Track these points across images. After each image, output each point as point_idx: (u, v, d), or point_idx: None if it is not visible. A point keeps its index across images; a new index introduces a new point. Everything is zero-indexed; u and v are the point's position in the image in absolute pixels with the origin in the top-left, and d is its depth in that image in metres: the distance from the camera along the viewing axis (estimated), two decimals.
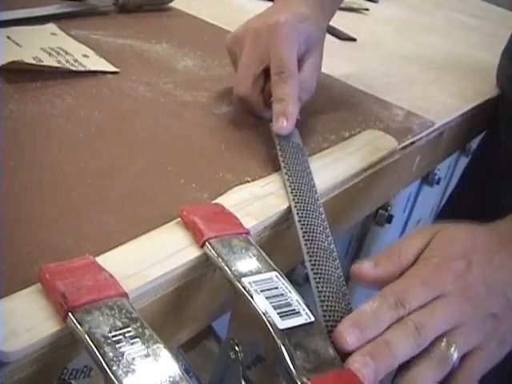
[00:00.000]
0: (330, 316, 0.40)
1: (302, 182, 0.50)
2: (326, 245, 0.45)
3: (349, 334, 0.38)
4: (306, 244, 0.45)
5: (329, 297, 0.41)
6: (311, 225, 0.46)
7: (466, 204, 0.92)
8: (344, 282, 0.43)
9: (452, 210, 0.99)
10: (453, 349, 0.41)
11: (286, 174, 0.51)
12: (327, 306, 0.41)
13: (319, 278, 0.42)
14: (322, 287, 0.42)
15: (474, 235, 0.48)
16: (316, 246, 0.45)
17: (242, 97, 0.59)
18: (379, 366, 0.37)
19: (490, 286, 0.44)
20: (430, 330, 0.40)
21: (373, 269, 0.45)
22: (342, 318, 0.40)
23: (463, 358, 0.42)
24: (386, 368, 0.38)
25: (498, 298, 0.45)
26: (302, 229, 0.46)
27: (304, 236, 0.45)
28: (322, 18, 0.63)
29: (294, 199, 0.48)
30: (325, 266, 0.43)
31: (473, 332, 0.42)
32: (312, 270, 0.43)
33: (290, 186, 0.49)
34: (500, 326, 0.44)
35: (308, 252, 0.44)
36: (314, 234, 0.45)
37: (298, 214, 0.47)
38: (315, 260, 0.43)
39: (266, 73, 0.58)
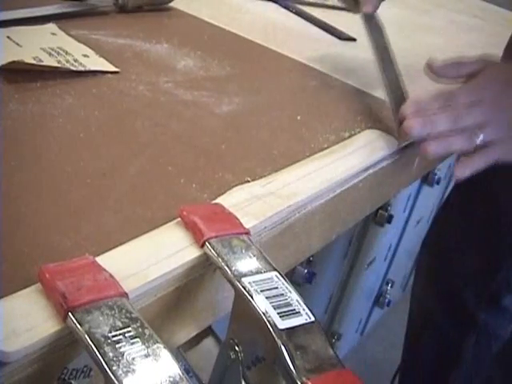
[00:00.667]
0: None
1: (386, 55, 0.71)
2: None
3: (408, 108, 0.59)
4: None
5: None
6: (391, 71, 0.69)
7: (466, 204, 0.92)
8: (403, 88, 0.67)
9: (451, 210, 0.99)
10: (480, 132, 0.58)
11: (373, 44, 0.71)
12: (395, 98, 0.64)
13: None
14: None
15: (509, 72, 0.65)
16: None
17: None
18: (424, 126, 0.57)
19: None
20: (465, 118, 0.58)
21: (440, 66, 0.65)
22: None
23: (486, 145, 0.58)
24: (429, 129, 0.57)
25: None
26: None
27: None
28: None
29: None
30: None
31: (498, 128, 0.59)
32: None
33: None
34: None
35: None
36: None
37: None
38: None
39: None
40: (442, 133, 0.57)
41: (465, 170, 0.58)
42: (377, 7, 0.76)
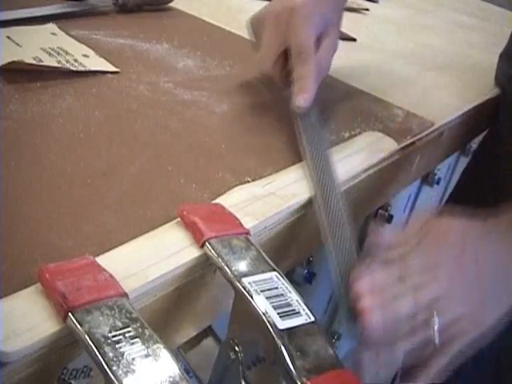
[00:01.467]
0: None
1: (324, 168, 0.54)
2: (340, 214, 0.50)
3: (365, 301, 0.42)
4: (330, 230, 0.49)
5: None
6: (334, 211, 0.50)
7: (467, 204, 0.92)
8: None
9: (456, 204, 0.98)
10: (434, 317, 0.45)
11: (307, 153, 0.55)
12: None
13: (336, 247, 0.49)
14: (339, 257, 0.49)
15: (464, 231, 0.52)
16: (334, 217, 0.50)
17: (267, 72, 0.63)
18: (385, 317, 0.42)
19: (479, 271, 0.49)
20: (424, 297, 0.45)
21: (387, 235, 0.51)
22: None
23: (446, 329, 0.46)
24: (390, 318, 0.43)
25: (482, 285, 0.49)
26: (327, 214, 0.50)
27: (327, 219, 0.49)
28: None
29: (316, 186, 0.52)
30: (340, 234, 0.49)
31: (458, 304, 0.47)
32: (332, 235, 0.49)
33: (313, 171, 0.53)
34: (482, 308, 0.48)
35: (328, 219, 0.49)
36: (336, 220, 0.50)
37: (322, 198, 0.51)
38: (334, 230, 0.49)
39: (287, 54, 0.62)
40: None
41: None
42: (312, 101, 0.59)
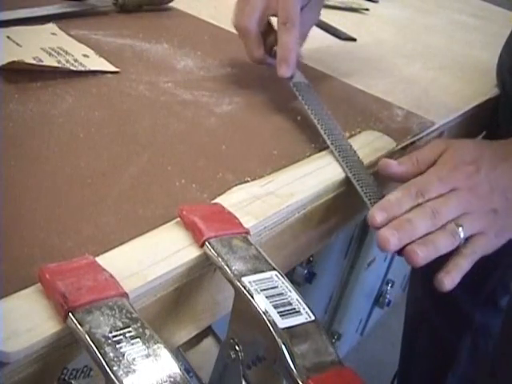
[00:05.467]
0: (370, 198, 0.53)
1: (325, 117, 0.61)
2: (356, 158, 0.57)
3: (377, 215, 0.50)
4: (344, 162, 0.56)
5: (370, 194, 0.54)
6: (341, 145, 0.58)
7: None
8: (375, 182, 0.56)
9: None
10: (461, 229, 0.51)
11: (306, 104, 0.62)
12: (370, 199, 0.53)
13: (361, 182, 0.55)
14: (366, 190, 0.54)
15: (482, 147, 0.58)
16: (351, 161, 0.57)
17: (242, 29, 0.65)
18: (402, 236, 0.49)
19: (493, 186, 0.54)
20: (443, 214, 0.51)
21: (397, 166, 0.56)
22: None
23: (468, 240, 0.52)
24: (407, 238, 0.49)
25: (499, 197, 0.54)
26: (336, 150, 0.57)
27: (340, 155, 0.57)
28: None
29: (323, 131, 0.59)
30: (361, 173, 0.56)
31: (477, 219, 0.53)
32: (354, 176, 0.55)
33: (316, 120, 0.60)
34: (499, 219, 0.54)
35: (347, 165, 0.56)
36: (347, 155, 0.57)
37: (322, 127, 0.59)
38: (354, 171, 0.56)
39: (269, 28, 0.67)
40: (422, 236, 0.50)
41: (453, 280, 0.51)
42: (294, 69, 0.65)
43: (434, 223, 0.50)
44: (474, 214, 0.53)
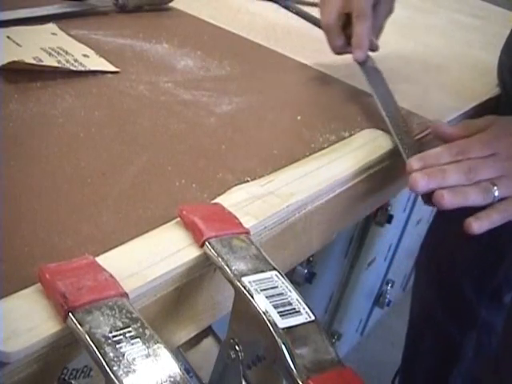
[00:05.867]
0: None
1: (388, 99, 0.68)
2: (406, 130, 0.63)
3: (414, 163, 0.54)
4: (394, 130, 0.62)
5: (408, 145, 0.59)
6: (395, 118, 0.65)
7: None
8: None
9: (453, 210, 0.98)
10: (495, 188, 0.54)
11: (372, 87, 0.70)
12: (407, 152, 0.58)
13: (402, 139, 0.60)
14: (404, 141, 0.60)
15: None
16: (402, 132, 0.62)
17: (324, 26, 0.73)
18: (431, 181, 0.53)
19: None
20: (479, 172, 0.54)
21: (447, 127, 0.62)
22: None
23: (502, 201, 0.55)
24: (437, 184, 0.53)
25: None
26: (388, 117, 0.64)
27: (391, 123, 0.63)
28: None
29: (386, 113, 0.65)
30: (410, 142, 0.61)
31: None
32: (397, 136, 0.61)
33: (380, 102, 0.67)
34: None
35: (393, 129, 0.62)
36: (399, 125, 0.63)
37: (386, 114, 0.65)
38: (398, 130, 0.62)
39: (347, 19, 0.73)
40: (453, 186, 0.54)
41: (481, 226, 0.54)
42: (367, 53, 0.73)
43: (468, 178, 0.54)
44: (509, 178, 0.55)
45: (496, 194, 0.54)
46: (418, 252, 1.16)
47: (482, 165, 0.55)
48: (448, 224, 1.02)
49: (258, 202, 0.48)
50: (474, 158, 0.56)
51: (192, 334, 0.45)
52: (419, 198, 1.14)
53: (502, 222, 0.55)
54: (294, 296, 0.38)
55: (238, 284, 0.38)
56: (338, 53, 0.75)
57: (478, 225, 0.54)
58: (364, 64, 0.73)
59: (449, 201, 0.52)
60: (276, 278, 0.39)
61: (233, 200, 0.47)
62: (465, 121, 0.63)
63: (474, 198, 0.54)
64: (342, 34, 0.74)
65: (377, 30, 0.76)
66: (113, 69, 0.64)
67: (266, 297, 0.37)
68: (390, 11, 0.77)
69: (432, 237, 1.11)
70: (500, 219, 0.55)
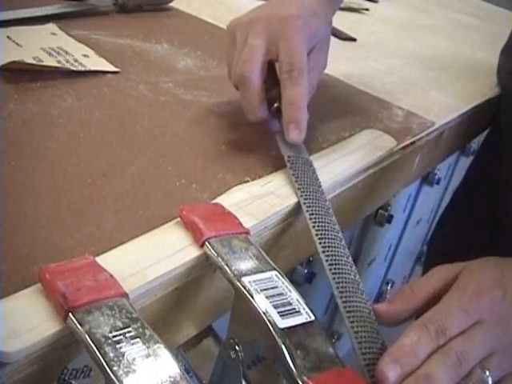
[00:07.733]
0: (367, 355, 0.40)
1: (318, 204, 0.49)
2: (352, 277, 0.44)
3: (390, 371, 0.38)
4: (335, 280, 0.44)
5: (365, 336, 0.41)
6: (336, 255, 0.45)
7: (471, 203, 0.92)
8: (374, 317, 0.43)
9: (456, 210, 0.98)
10: (488, 373, 0.41)
11: (299, 189, 0.50)
12: (365, 347, 0.41)
13: (353, 317, 0.42)
14: (357, 327, 0.41)
15: (500, 265, 0.48)
16: (344, 279, 0.44)
17: (242, 78, 0.54)
18: None
19: None
20: (470, 358, 0.40)
21: (387, 307, 0.44)
22: (380, 354, 0.39)
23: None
24: None
25: None
26: (327, 261, 0.45)
27: (331, 270, 0.44)
28: (329, 12, 0.61)
29: (315, 228, 0.47)
30: (356, 302, 0.43)
31: (506, 359, 0.43)
32: (344, 308, 0.42)
33: (305, 205, 0.48)
34: None
35: (338, 288, 0.43)
36: (341, 267, 0.44)
37: (321, 244, 0.45)
38: (346, 297, 0.43)
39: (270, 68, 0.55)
40: None
41: None
42: (305, 132, 0.53)
43: (458, 373, 0.40)
44: (502, 354, 0.43)
45: (490, 382, 0.41)
46: (426, 251, 1.16)
47: (471, 347, 0.41)
48: (454, 224, 1.02)
49: (257, 201, 0.48)
50: (457, 334, 0.41)
51: (192, 334, 0.45)
52: (419, 198, 1.13)
53: None
54: (294, 296, 0.38)
55: (238, 284, 0.38)
56: (258, 120, 0.55)
57: None
58: (295, 152, 0.53)
59: None
60: (276, 278, 0.39)
61: (233, 200, 0.47)
62: (405, 286, 0.46)
63: None
64: (264, 96, 0.54)
65: (312, 91, 0.57)
66: (113, 69, 0.64)
67: (266, 297, 0.37)
68: (324, 65, 0.60)
69: (438, 237, 1.10)
70: None
